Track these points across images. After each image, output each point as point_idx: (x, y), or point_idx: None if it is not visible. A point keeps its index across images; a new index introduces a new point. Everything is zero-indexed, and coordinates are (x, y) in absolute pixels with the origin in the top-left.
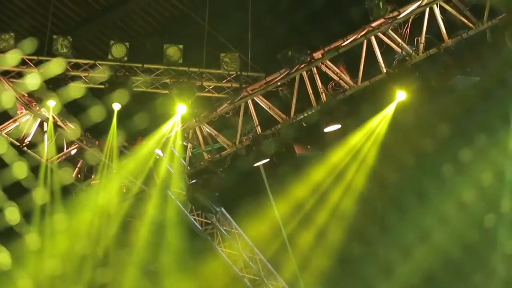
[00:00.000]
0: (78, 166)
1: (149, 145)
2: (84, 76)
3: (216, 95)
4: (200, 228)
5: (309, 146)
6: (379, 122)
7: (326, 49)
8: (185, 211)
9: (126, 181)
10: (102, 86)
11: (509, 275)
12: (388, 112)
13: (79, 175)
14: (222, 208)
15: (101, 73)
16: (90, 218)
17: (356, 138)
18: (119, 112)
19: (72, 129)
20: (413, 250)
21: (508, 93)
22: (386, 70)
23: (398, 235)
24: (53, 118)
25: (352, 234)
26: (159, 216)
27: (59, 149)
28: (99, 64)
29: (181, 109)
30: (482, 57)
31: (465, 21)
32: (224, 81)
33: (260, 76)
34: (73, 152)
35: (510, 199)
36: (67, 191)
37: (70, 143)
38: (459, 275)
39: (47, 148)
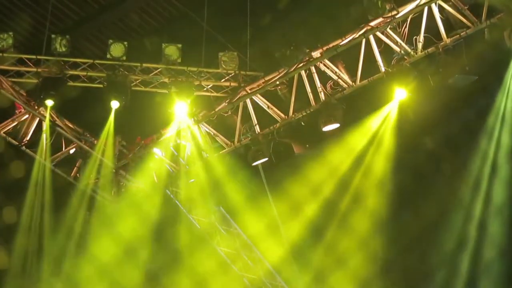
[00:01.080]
0: (77, 165)
1: (148, 145)
2: (83, 76)
3: (215, 94)
4: (199, 227)
5: (307, 145)
6: (381, 124)
7: (324, 48)
8: (184, 210)
9: (124, 180)
10: (101, 86)
11: None
12: (389, 112)
13: (77, 174)
14: (221, 207)
15: (99, 73)
16: (88, 218)
17: (357, 139)
18: (118, 111)
19: (70, 129)
20: None
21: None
22: (385, 69)
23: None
24: (52, 117)
25: (348, 231)
26: (157, 215)
27: (58, 149)
28: (98, 63)
29: (180, 108)
30: (480, 56)
31: (464, 20)
32: (222, 80)
33: (259, 75)
34: (71, 151)
35: (503, 193)
36: (65, 190)
37: (68, 143)
38: None
39: (45, 148)
